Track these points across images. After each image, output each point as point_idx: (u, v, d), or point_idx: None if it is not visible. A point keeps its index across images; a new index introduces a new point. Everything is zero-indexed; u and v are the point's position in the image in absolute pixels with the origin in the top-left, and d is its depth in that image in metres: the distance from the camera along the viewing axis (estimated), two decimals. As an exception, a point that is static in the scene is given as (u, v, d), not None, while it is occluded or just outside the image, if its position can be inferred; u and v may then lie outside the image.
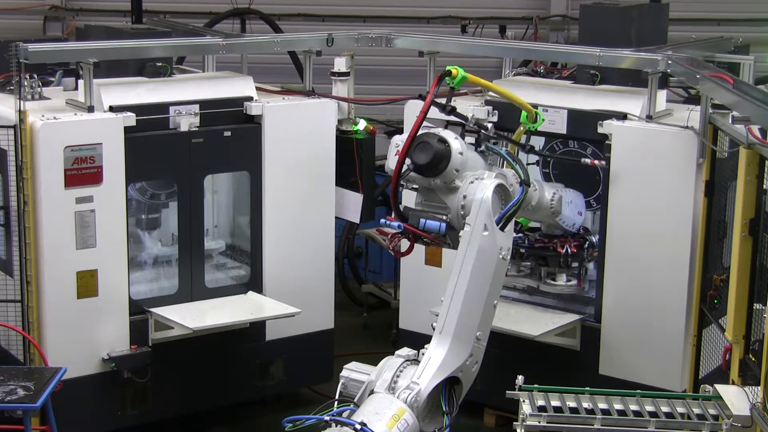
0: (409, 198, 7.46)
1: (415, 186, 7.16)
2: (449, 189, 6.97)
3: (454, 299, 6.86)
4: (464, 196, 6.88)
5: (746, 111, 6.69)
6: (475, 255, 6.80)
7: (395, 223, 7.08)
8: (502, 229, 6.87)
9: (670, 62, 7.99)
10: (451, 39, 9.98)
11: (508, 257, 7.00)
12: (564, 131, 8.54)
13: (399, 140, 7.15)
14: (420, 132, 6.87)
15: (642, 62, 8.16)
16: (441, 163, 6.86)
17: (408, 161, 6.93)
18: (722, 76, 7.44)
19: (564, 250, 8.58)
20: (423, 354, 6.94)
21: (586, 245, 8.68)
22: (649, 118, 8.14)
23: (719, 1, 14.48)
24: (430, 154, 6.83)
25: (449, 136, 6.95)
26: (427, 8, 14.59)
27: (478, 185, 6.87)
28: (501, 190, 6.94)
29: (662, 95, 8.34)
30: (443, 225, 6.97)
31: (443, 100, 7.14)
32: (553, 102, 8.57)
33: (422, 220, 7.01)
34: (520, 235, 8.86)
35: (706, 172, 7.83)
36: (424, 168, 6.90)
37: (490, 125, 7.33)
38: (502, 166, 7.58)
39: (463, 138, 7.09)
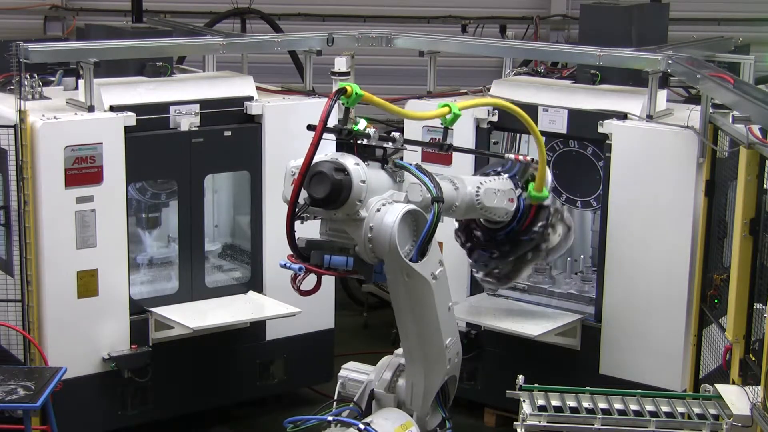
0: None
1: (318, 217, 6.47)
2: (353, 220, 6.26)
3: (409, 333, 6.70)
4: (371, 228, 6.21)
5: (747, 111, 6.69)
6: (410, 299, 6.51)
7: (296, 266, 6.35)
8: (423, 255, 6.36)
9: (670, 62, 7.99)
10: (451, 39, 9.98)
11: (443, 269, 6.56)
12: (564, 131, 8.54)
13: (294, 167, 6.41)
14: (315, 160, 6.16)
15: (642, 62, 8.16)
16: (341, 194, 6.14)
17: (305, 194, 6.23)
18: (722, 76, 7.44)
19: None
20: (400, 368, 6.91)
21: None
22: (650, 117, 8.14)
23: (719, 0, 14.48)
24: (327, 187, 6.10)
25: (348, 162, 6.22)
26: (427, 8, 14.59)
27: (384, 216, 6.19)
28: (411, 216, 6.30)
29: (662, 95, 8.34)
30: (350, 260, 6.28)
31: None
32: (553, 102, 8.57)
33: (326, 257, 6.28)
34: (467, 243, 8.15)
35: (706, 171, 7.83)
36: (321, 202, 6.17)
37: (397, 135, 6.63)
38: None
39: (366, 159, 6.39)
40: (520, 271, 8.18)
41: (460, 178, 7.34)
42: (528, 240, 7.85)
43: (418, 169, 6.51)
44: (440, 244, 7.28)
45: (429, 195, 6.44)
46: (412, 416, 6.81)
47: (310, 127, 6.31)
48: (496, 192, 7.41)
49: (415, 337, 6.67)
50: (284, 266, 6.42)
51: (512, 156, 7.66)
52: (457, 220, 7.92)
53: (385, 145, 6.48)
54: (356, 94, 6.25)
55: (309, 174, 6.13)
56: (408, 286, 6.41)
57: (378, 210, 6.22)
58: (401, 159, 6.68)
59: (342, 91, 6.24)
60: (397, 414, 6.76)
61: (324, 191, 6.11)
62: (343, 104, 6.32)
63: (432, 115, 6.94)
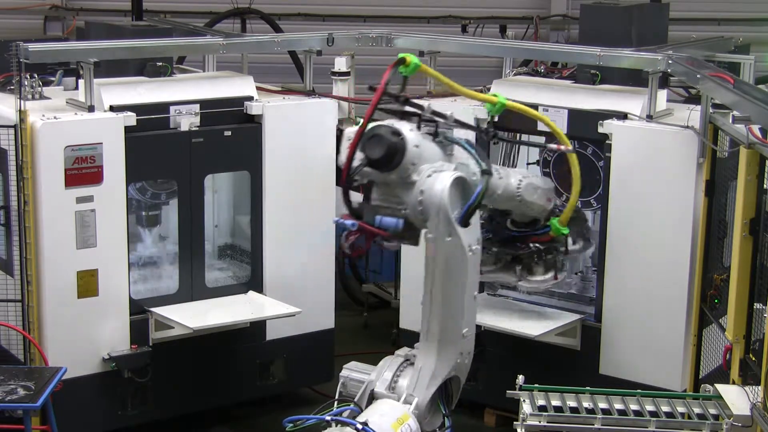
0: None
1: (371, 180, 6.76)
2: (405, 184, 6.58)
3: (433, 306, 6.76)
4: (422, 191, 6.50)
5: (746, 110, 6.69)
6: (443, 262, 6.62)
7: (349, 222, 6.67)
8: (465, 224, 6.60)
9: (670, 62, 7.99)
10: (451, 38, 9.99)
11: (479, 249, 6.75)
12: (564, 131, 8.51)
13: (351, 133, 6.83)
14: (373, 124, 6.52)
15: (642, 62, 8.16)
16: (395, 156, 6.47)
17: (361, 155, 6.54)
18: (722, 76, 7.44)
19: (534, 245, 8.16)
20: (414, 356, 6.91)
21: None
22: (650, 117, 8.14)
23: (719, 0, 14.48)
24: (383, 148, 6.45)
25: (404, 127, 6.57)
26: (427, 8, 14.58)
27: (436, 179, 6.49)
28: (460, 184, 6.59)
29: (662, 95, 8.34)
30: (400, 222, 6.58)
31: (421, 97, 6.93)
32: (553, 102, 8.57)
33: (378, 217, 6.59)
34: (486, 229, 8.29)
35: (706, 171, 7.83)
36: (377, 162, 6.50)
37: (449, 112, 6.94)
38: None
39: (420, 128, 6.73)
40: (496, 269, 8.39)
41: (505, 169, 7.83)
42: (519, 246, 8.13)
43: (468, 144, 6.86)
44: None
45: (474, 175, 6.72)
46: (411, 404, 6.75)
47: (371, 88, 6.66)
48: (537, 188, 7.82)
49: (437, 314, 6.73)
50: (338, 223, 6.73)
51: (554, 146, 7.86)
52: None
53: (437, 118, 6.80)
54: (415, 63, 6.62)
55: (366, 136, 6.47)
56: (447, 250, 6.55)
57: (429, 175, 6.51)
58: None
59: (401, 61, 6.60)
60: (391, 407, 6.70)
61: (380, 152, 6.44)
62: (401, 73, 6.65)
63: (481, 97, 7.49)
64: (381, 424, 6.48)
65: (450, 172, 6.53)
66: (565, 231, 8.01)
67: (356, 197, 6.82)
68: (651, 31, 8.93)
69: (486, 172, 6.65)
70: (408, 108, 6.82)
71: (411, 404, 6.69)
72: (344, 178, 6.57)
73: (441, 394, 6.89)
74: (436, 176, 6.49)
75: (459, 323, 6.76)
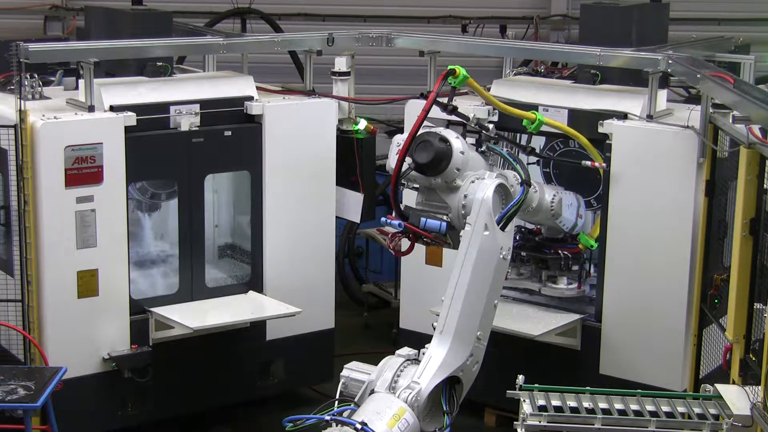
0: (409, 197, 7.46)
1: (416, 185, 7.16)
2: (450, 188, 6.98)
3: (455, 299, 6.87)
4: (465, 196, 6.89)
5: (747, 110, 6.69)
6: (476, 254, 6.81)
7: (396, 222, 7.07)
8: (502, 228, 6.89)
9: (670, 62, 8.00)
10: (451, 38, 9.97)
11: (509, 257, 7.00)
12: (564, 131, 8.53)
13: (400, 139, 7.17)
14: (421, 131, 6.88)
15: (642, 62, 8.16)
16: (442, 162, 6.86)
17: (409, 160, 6.92)
18: (723, 76, 7.44)
19: (563, 253, 8.63)
20: (423, 353, 6.95)
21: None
22: (650, 117, 8.15)
23: (719, 0, 14.46)
24: (431, 153, 6.83)
25: (450, 135, 6.95)
26: (427, 8, 14.57)
27: (479, 184, 6.87)
28: (502, 190, 6.95)
29: (663, 95, 8.34)
30: (444, 224, 6.98)
31: (445, 100, 7.14)
32: (553, 101, 8.57)
33: (423, 219, 7.01)
34: (518, 237, 8.84)
35: (706, 171, 7.83)
36: (425, 167, 6.90)
37: (491, 126, 7.34)
38: (503, 168, 7.57)
39: (464, 138, 7.09)
40: (522, 277, 8.98)
41: (540, 184, 8.37)
42: (548, 252, 8.67)
43: (509, 156, 7.29)
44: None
45: (512, 187, 7.08)
46: (412, 395, 6.72)
47: (423, 95, 7.33)
48: (570, 205, 8.42)
49: (457, 309, 6.83)
50: (386, 223, 7.15)
51: (588, 163, 8.17)
52: None
53: (483, 131, 7.22)
54: (464, 75, 6.98)
55: (415, 142, 6.85)
56: (482, 243, 6.77)
57: (473, 181, 6.93)
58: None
59: (451, 72, 6.95)
60: (385, 402, 6.67)
61: (428, 157, 6.84)
62: (450, 84, 6.99)
63: (519, 113, 7.82)
64: (379, 425, 6.46)
65: (493, 179, 6.91)
66: (594, 244, 8.39)
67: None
68: (651, 31, 8.93)
69: (526, 183, 7.02)
70: (455, 117, 7.18)
71: (413, 391, 6.67)
72: (393, 181, 6.93)
73: (444, 392, 6.89)
74: (479, 182, 6.89)
75: (475, 323, 6.89)
